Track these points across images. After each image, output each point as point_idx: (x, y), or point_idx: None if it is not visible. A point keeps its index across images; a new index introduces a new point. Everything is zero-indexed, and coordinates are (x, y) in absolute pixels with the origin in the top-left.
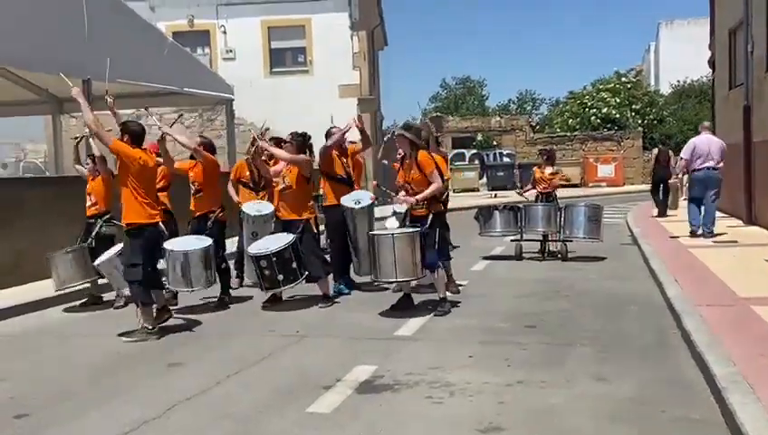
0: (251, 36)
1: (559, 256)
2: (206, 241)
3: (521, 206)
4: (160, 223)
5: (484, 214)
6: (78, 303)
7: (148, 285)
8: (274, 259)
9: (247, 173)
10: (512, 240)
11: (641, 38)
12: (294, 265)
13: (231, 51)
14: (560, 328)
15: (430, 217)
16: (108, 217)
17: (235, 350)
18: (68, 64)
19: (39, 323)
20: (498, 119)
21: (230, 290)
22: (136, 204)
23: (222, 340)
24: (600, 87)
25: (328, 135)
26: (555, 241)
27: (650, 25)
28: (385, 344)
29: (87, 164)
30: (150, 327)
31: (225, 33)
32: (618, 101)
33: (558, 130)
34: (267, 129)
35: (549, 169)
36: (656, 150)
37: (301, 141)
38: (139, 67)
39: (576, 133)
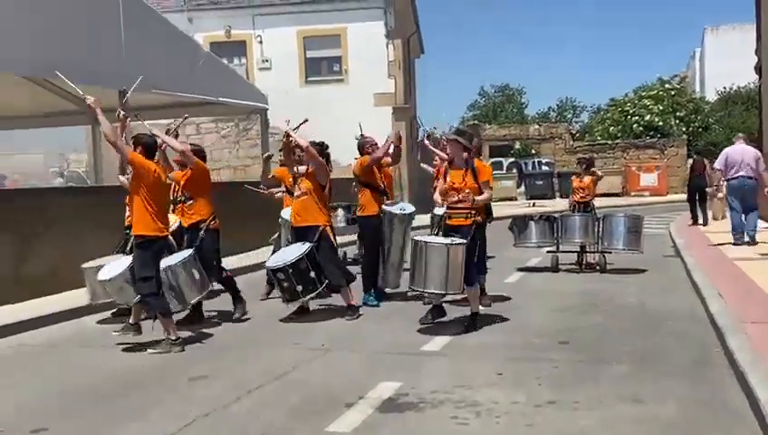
0: (287, 46)
1: (597, 267)
2: (183, 253)
3: (557, 216)
4: (170, 237)
5: (519, 224)
6: (110, 313)
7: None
8: (291, 271)
9: (290, 179)
10: (548, 251)
11: (686, 44)
12: (312, 274)
13: (267, 60)
14: (595, 344)
15: (473, 228)
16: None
17: (258, 363)
18: (105, 75)
19: (71, 332)
20: (537, 127)
21: (240, 295)
22: (147, 216)
23: (247, 353)
24: (643, 94)
25: (362, 147)
26: (593, 252)
27: (696, 31)
28: (411, 360)
29: (128, 174)
30: (174, 338)
31: (261, 42)
32: (661, 108)
33: (598, 137)
34: (306, 120)
35: (587, 178)
36: (691, 160)
37: (318, 151)
38: (175, 78)
39: (617, 141)
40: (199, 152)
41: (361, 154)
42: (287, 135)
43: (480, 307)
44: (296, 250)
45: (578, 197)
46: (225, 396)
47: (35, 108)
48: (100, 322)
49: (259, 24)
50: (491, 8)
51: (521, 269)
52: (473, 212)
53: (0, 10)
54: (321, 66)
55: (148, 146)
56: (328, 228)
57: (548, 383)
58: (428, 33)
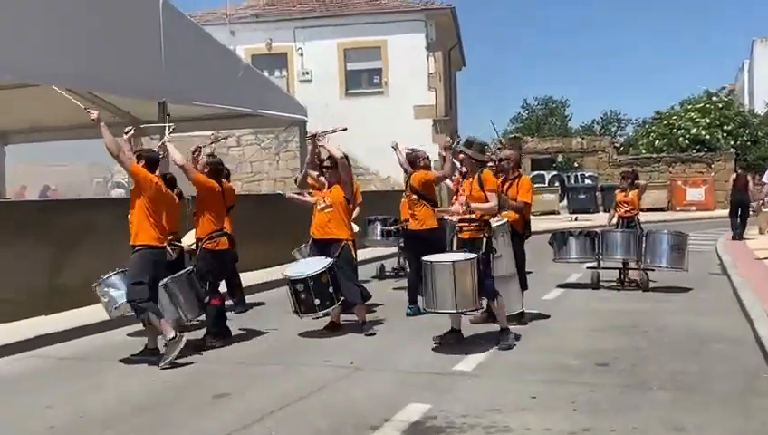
0: (327, 58)
1: (639, 285)
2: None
3: (598, 231)
4: (167, 247)
5: (559, 239)
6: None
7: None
8: (311, 283)
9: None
10: (588, 267)
11: (734, 56)
12: (331, 289)
13: (307, 73)
14: (635, 368)
15: (484, 240)
16: (170, 238)
17: (285, 382)
18: (146, 88)
19: (101, 345)
20: (580, 140)
21: (216, 331)
22: (147, 225)
23: (275, 370)
24: (689, 107)
25: (414, 160)
26: (635, 269)
27: (744, 43)
28: (442, 380)
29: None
30: (172, 336)
31: (302, 55)
32: (708, 121)
33: (643, 151)
34: (344, 128)
35: (632, 193)
36: (734, 175)
37: (335, 163)
38: (214, 90)
39: (663, 155)
40: (215, 166)
41: (413, 167)
42: (314, 137)
43: (517, 326)
44: (318, 263)
45: (622, 211)
46: (248, 416)
47: (79, 119)
48: (130, 334)
49: (300, 36)
50: (535, 21)
51: (560, 286)
52: (483, 224)
53: (45, 25)
54: (362, 78)
55: (151, 159)
56: (350, 244)
57: (584, 408)
58: (472, 45)
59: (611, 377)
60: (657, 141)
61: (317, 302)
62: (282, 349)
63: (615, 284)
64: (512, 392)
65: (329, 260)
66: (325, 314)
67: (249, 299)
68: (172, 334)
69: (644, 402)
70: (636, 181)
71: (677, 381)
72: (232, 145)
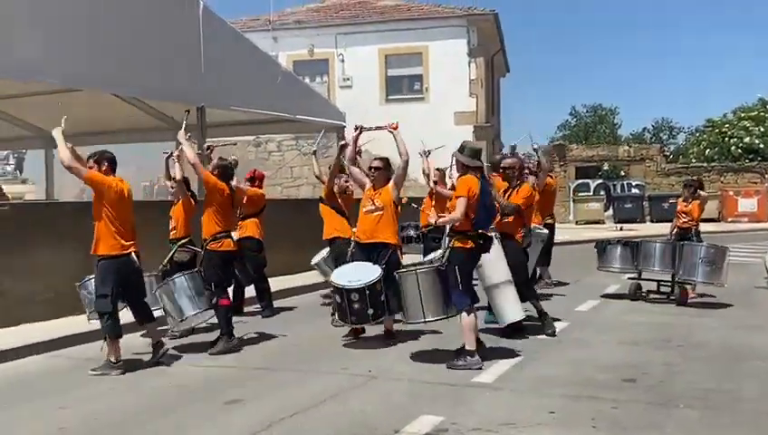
0: (368, 64)
1: (677, 298)
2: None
3: (638, 241)
4: (133, 254)
5: (601, 248)
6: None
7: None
8: (368, 292)
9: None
10: (628, 278)
11: None
12: (383, 298)
13: (348, 79)
14: (662, 384)
15: (447, 252)
16: (184, 242)
17: (298, 389)
18: (185, 92)
19: (125, 346)
20: (627, 148)
21: (226, 333)
22: (107, 233)
23: (292, 377)
24: (742, 115)
25: (519, 168)
26: (672, 282)
27: None
28: (458, 392)
29: (172, 188)
30: (114, 360)
31: (343, 61)
32: (762, 129)
33: (693, 160)
34: (395, 126)
35: (694, 203)
36: None
37: (384, 164)
38: (253, 95)
39: (713, 164)
40: (223, 167)
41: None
42: (361, 130)
43: (543, 336)
44: (368, 270)
45: (680, 222)
46: (257, 424)
47: (125, 124)
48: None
49: (342, 42)
50: (583, 26)
51: (596, 297)
52: (453, 233)
53: (90, 32)
54: (402, 84)
55: (111, 160)
56: (399, 250)
57: (604, 426)
58: (518, 52)
59: (637, 393)
60: (708, 150)
61: (371, 311)
62: (302, 355)
63: (656, 296)
64: (530, 407)
65: (377, 267)
66: (376, 323)
67: (284, 304)
68: (114, 359)
69: (668, 421)
70: (698, 191)
71: (707, 400)
72: (273, 150)
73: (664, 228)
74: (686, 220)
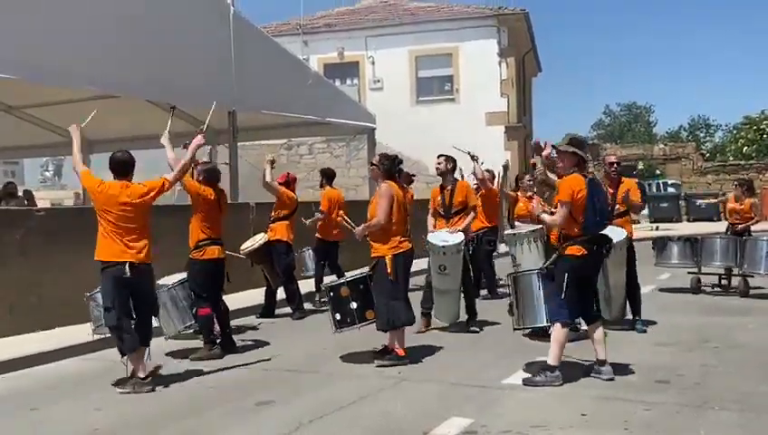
0: (398, 66)
1: (738, 291)
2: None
3: (698, 237)
4: (128, 262)
5: (659, 244)
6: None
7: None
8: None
9: (438, 198)
10: (688, 272)
11: None
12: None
13: (378, 81)
14: (698, 386)
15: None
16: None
17: (328, 391)
18: (217, 97)
19: (155, 349)
20: (662, 146)
21: (209, 343)
22: (102, 239)
23: (319, 379)
24: None
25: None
26: (734, 276)
27: None
28: (489, 394)
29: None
30: (142, 377)
31: (373, 63)
32: None
33: (731, 157)
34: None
35: (747, 201)
36: None
37: (390, 165)
38: (283, 98)
39: (752, 162)
40: (209, 172)
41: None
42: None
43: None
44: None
45: (732, 220)
46: (285, 425)
47: (160, 129)
48: (168, 338)
49: (372, 45)
50: (616, 26)
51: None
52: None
53: (123, 39)
54: (433, 85)
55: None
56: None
57: (637, 428)
58: (551, 51)
59: (671, 395)
60: (746, 148)
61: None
62: (332, 357)
63: (716, 289)
64: (562, 409)
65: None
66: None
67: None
68: (141, 374)
69: (702, 423)
70: (751, 195)
71: (743, 402)
72: (304, 154)
73: (701, 228)
74: (737, 218)
